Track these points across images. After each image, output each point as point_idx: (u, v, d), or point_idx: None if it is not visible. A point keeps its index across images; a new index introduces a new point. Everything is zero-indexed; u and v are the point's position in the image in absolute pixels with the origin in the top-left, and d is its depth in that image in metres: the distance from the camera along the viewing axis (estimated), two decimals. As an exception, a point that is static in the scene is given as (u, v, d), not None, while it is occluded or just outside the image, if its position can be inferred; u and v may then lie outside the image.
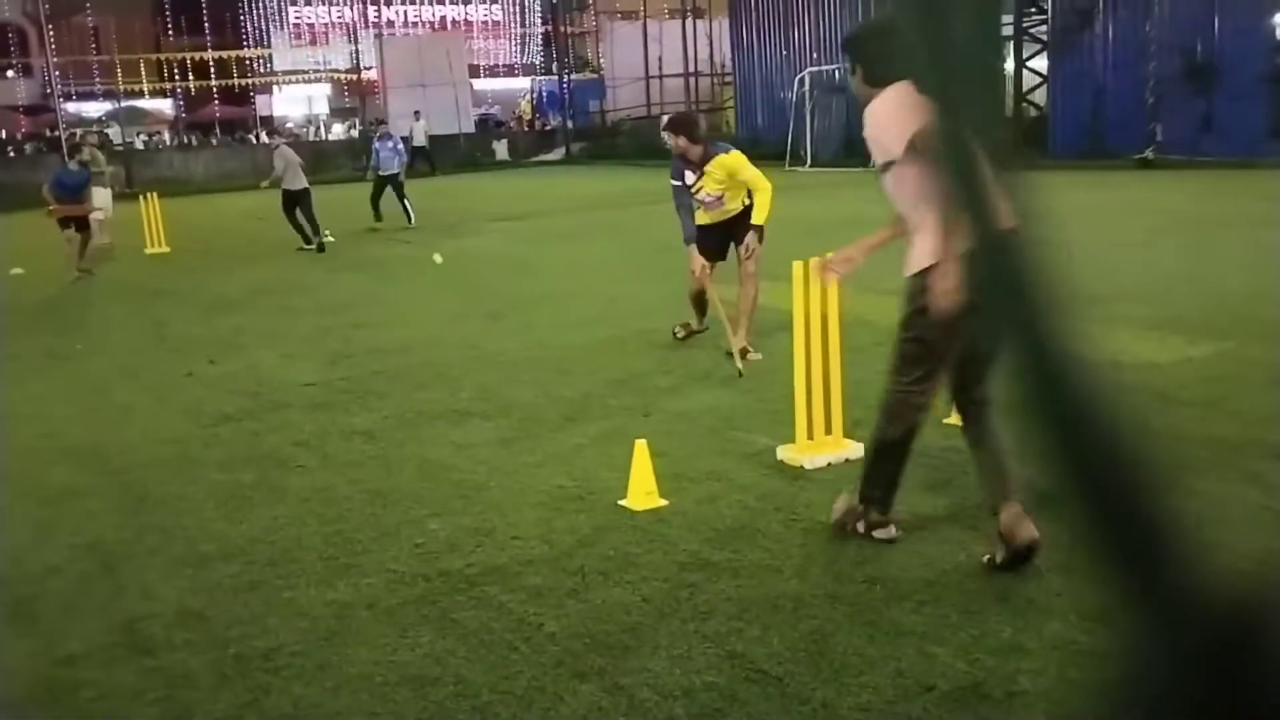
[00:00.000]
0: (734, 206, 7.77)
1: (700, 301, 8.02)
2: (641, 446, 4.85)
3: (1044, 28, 25.08)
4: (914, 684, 3.21)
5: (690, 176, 7.70)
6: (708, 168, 7.65)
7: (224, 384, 7.77)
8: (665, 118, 8.23)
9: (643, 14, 42.02)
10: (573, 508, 4.85)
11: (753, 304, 7.68)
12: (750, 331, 7.63)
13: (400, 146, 18.72)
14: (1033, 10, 25.19)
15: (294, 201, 16.39)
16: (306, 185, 16.46)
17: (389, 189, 18.51)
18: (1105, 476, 0.62)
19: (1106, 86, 23.52)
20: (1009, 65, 24.45)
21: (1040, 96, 25.70)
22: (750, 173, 7.68)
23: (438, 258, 13.92)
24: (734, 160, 7.67)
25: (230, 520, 4.97)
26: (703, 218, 7.78)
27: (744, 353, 7.33)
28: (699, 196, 7.74)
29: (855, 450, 5.27)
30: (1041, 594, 3.68)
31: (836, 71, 29.62)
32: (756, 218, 7.61)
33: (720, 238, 7.81)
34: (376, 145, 18.81)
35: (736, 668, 3.36)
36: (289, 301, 11.48)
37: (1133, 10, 22.93)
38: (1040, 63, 25.36)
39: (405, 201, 18.62)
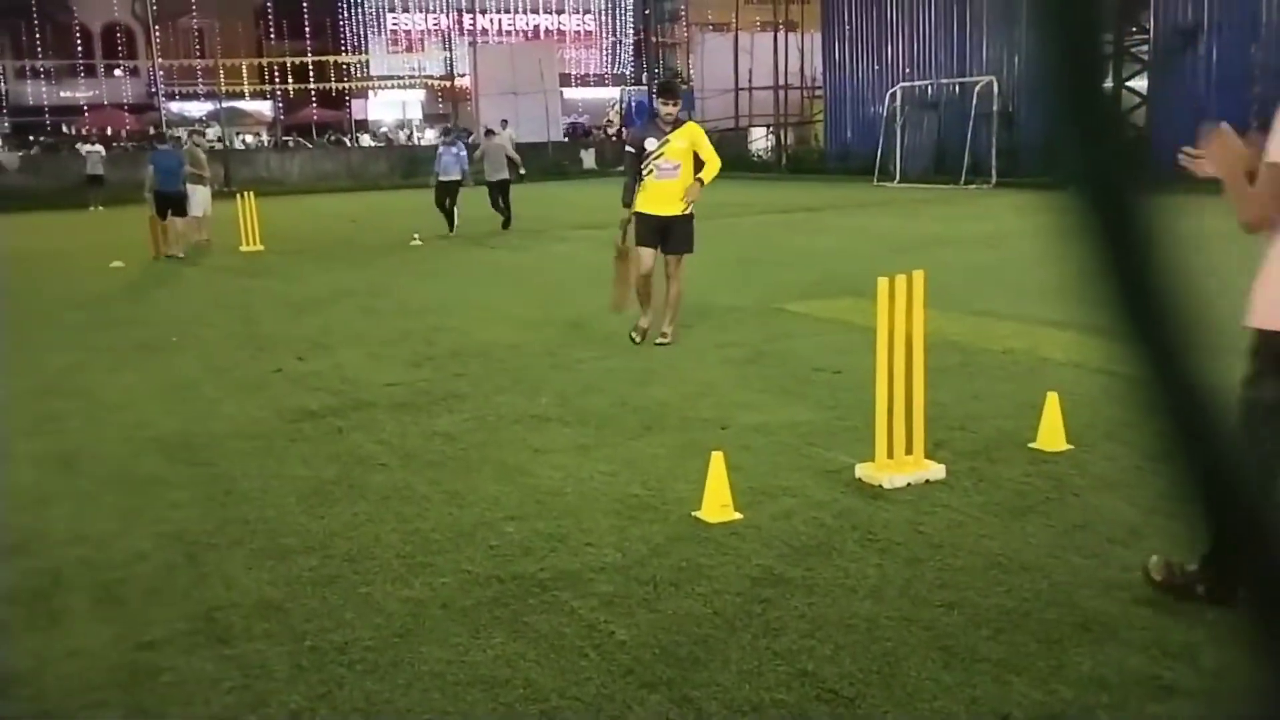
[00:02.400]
0: (681, 180, 8.40)
1: (646, 291, 8.67)
2: (718, 458, 4.83)
3: (1145, 47, 24.55)
4: (989, 712, 3.14)
5: (653, 144, 8.42)
6: (675, 133, 8.40)
7: (310, 381, 7.91)
8: (658, 84, 10.64)
9: (734, 26, 42.00)
10: (647, 517, 4.85)
11: (677, 299, 8.62)
12: (674, 322, 8.60)
13: (463, 154, 18.86)
14: (1134, 29, 24.68)
15: (497, 190, 18.95)
16: (506, 176, 18.85)
17: (448, 197, 18.69)
18: (1245, 515, 0.60)
19: (1208, 109, 22.92)
20: (1107, 84, 23.97)
21: (1138, 117, 25.14)
22: (708, 146, 8.55)
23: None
24: (697, 131, 8.60)
25: (311, 515, 5.06)
26: (651, 192, 8.44)
27: (661, 335, 8.53)
28: (658, 162, 8.42)
29: (936, 471, 5.19)
30: (1124, 626, 3.58)
31: (929, 88, 29.34)
32: (704, 175, 8.47)
33: (656, 231, 8.51)
34: (440, 150, 19.04)
35: (807, 686, 3.32)
36: (375, 303, 11.66)
37: (1238, 32, 22.35)
38: (1140, 83, 24.82)
39: (455, 209, 18.71)
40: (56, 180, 30.71)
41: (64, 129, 47.66)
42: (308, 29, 51.65)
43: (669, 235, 8.48)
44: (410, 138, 49.04)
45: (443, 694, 3.36)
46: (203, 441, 6.42)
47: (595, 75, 55.68)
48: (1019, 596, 3.89)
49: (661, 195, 8.43)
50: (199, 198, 17.94)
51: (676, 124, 8.43)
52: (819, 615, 3.80)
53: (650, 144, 8.42)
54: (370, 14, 52.81)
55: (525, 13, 54.68)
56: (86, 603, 4.18)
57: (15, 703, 3.42)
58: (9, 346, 9.80)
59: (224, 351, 9.22)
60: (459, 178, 18.63)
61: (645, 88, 46.22)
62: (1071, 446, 5.51)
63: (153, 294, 13.28)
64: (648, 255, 8.52)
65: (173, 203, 16.77)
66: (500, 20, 54.06)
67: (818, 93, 38.55)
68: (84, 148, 32.34)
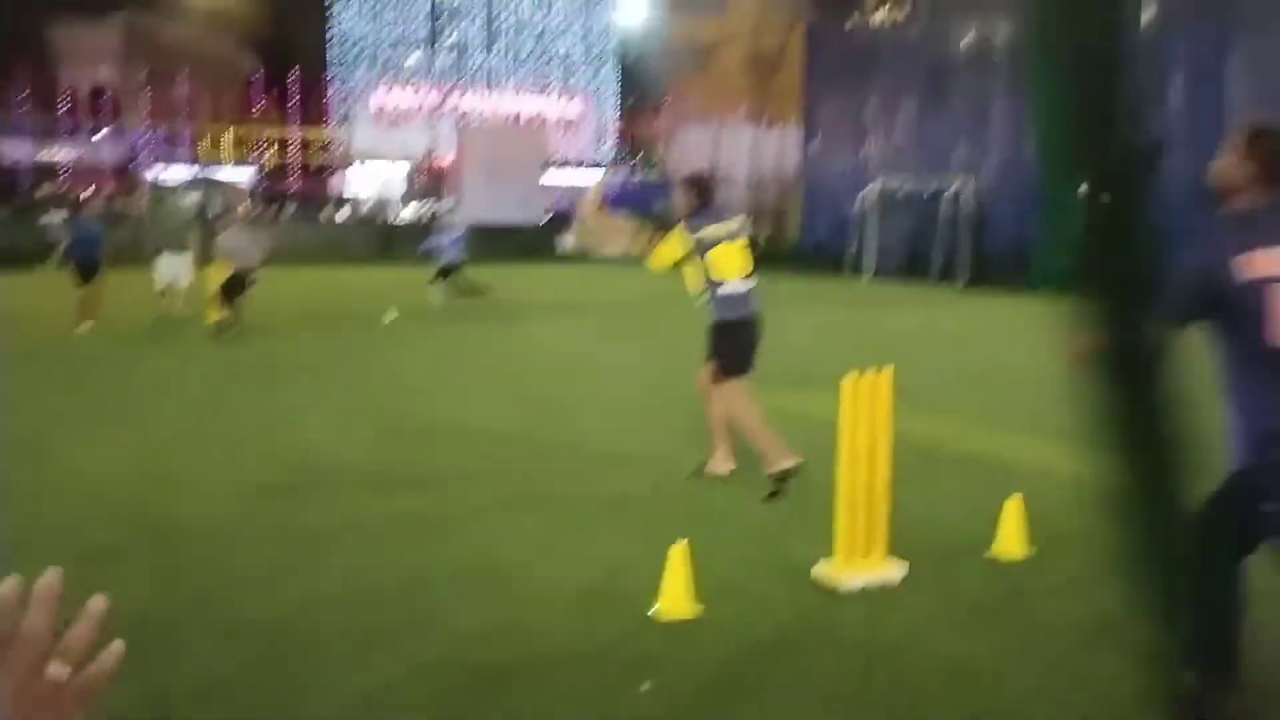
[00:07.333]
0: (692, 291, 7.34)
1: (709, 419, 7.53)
2: (678, 552, 4.82)
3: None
4: (939, 824, 3.12)
5: None
6: None
7: (275, 456, 7.85)
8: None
9: (714, 118, 42.79)
10: (606, 609, 4.82)
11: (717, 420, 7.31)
12: (725, 456, 7.31)
13: (459, 238, 19.28)
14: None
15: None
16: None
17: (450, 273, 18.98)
18: None
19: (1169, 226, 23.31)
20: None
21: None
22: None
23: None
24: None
25: (265, 594, 5.00)
26: None
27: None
28: None
29: (895, 573, 5.20)
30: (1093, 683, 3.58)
31: (903, 186, 29.86)
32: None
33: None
34: (439, 237, 19.35)
35: (758, 790, 3.29)
36: (348, 378, 11.62)
37: (1200, 152, 22.81)
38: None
39: (442, 287, 18.84)
40: (32, 240, 30.38)
41: (38, 189, 47.56)
42: (295, 103, 52.24)
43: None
44: (391, 215, 49.29)
45: (390, 786, 3.31)
46: (159, 515, 6.34)
47: (575, 161, 56.47)
48: (976, 705, 3.89)
49: None
50: (163, 266, 17.57)
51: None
52: (774, 717, 3.78)
53: None
54: (357, 89, 53.56)
55: (511, 96, 55.63)
56: (31, 678, 4.09)
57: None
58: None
59: (190, 421, 9.15)
60: (457, 259, 18.87)
61: (625, 174, 46.82)
62: (1032, 553, 5.54)
63: (120, 361, 13.19)
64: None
65: (88, 270, 16.02)
66: (483, 103, 54.94)
67: (793, 186, 39.13)
68: (48, 217, 31.31)
